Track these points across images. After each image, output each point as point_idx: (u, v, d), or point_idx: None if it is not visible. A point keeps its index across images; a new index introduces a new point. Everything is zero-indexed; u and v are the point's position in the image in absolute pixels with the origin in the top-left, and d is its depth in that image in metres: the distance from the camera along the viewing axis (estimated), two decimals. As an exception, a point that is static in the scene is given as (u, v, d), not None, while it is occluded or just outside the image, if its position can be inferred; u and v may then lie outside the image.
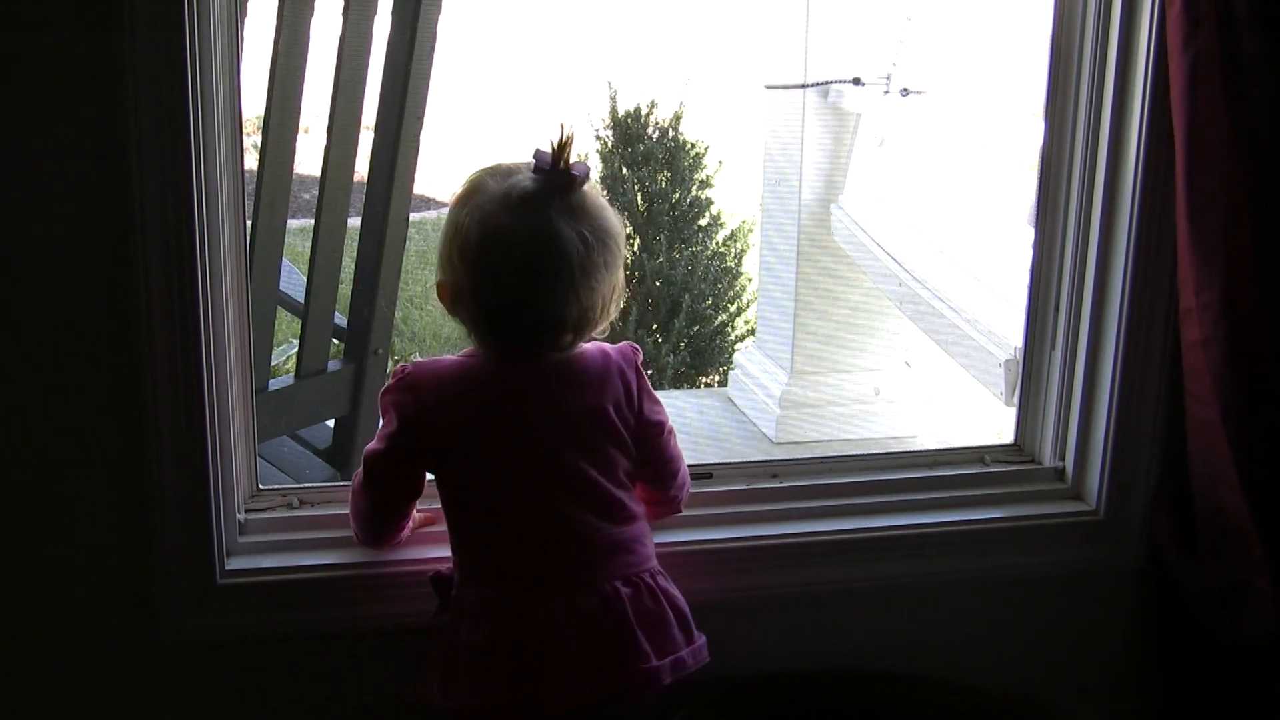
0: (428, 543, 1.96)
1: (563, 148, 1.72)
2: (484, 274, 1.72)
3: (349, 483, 1.91)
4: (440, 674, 1.79)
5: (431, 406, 1.76)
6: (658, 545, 1.89)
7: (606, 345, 1.84)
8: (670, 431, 1.89)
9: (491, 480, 1.77)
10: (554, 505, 1.77)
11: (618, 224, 1.77)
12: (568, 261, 1.70)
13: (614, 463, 1.81)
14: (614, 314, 1.80)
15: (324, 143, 3.31)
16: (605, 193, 1.76)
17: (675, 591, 1.84)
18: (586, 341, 1.81)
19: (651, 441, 1.86)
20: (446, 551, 1.88)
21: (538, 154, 1.74)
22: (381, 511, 1.88)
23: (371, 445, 1.81)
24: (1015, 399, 2.31)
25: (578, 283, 1.71)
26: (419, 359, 1.80)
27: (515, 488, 1.76)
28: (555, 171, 1.72)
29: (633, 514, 1.83)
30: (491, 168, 1.77)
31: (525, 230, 1.70)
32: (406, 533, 1.95)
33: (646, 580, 1.80)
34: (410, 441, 1.77)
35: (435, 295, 1.79)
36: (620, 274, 1.79)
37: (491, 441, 1.76)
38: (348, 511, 1.93)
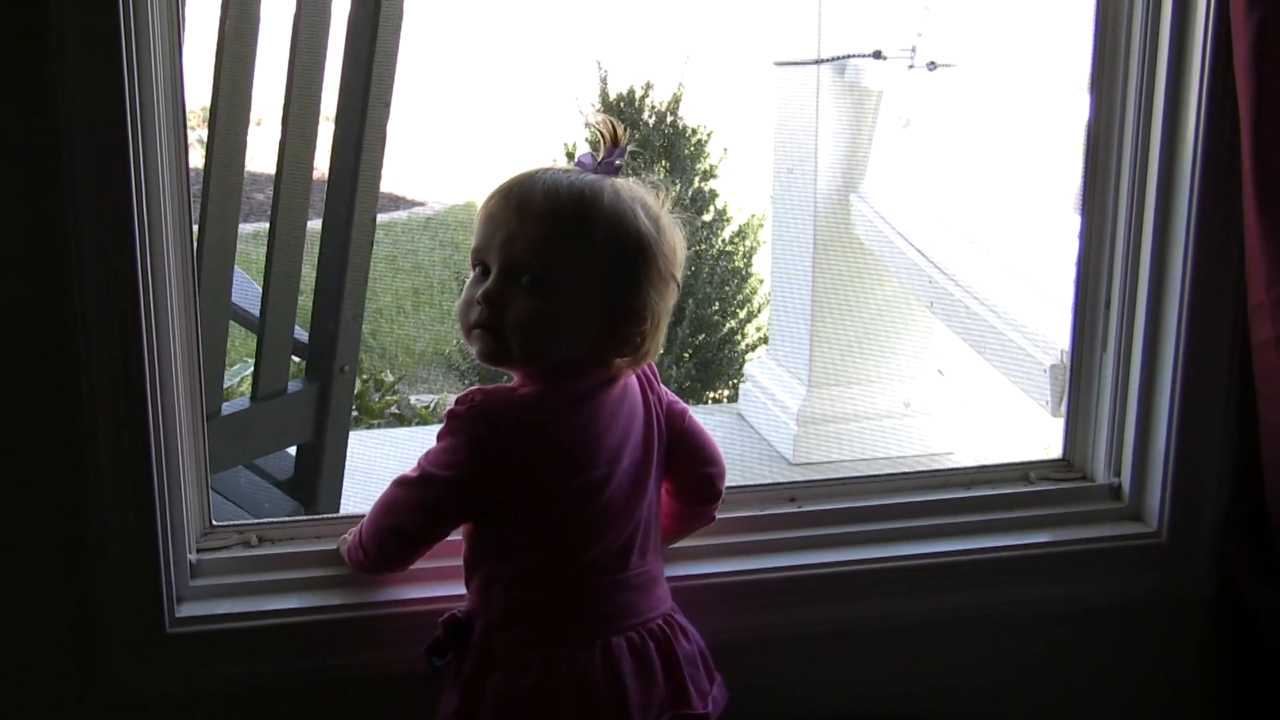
0: (407, 582, 1.96)
1: (615, 142, 1.81)
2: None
3: (313, 517, 1.91)
4: None
5: (513, 446, 1.77)
6: (659, 578, 1.92)
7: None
8: (692, 416, 1.94)
9: (558, 520, 1.79)
10: (611, 538, 1.80)
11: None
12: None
13: (655, 488, 1.87)
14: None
15: (279, 136, 3.32)
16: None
17: (693, 629, 1.89)
18: None
19: (681, 426, 1.91)
20: (420, 591, 1.89)
21: (582, 157, 1.81)
22: (423, 537, 1.88)
23: (431, 468, 1.79)
24: (1063, 408, 2.31)
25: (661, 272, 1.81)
26: (486, 388, 1.81)
27: (580, 527, 1.79)
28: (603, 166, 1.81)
29: (660, 549, 1.89)
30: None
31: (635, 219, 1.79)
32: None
33: (676, 617, 1.86)
34: (482, 478, 1.78)
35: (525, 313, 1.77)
36: None
37: (566, 480, 1.78)
38: (313, 549, 1.93)
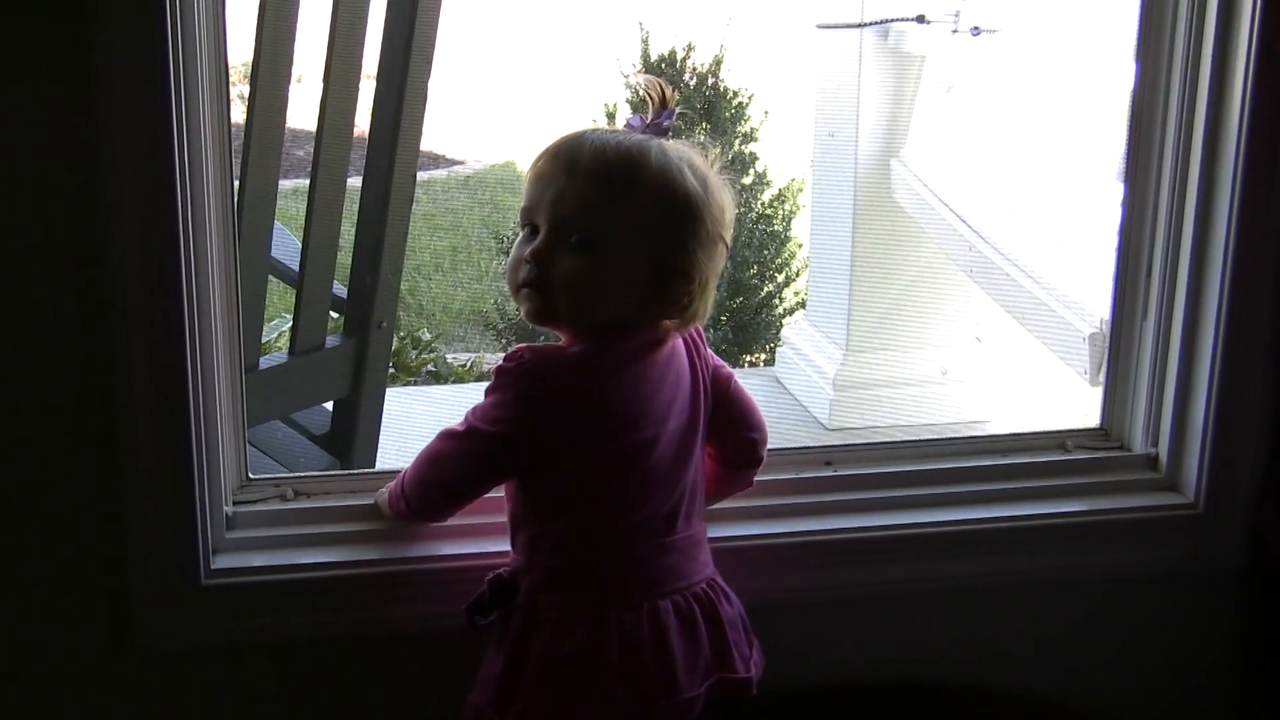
0: (439, 538, 1.97)
1: (664, 103, 1.81)
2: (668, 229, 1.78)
3: (349, 472, 1.92)
4: (499, 688, 1.80)
5: (562, 404, 1.77)
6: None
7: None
8: (738, 380, 1.95)
9: (604, 480, 1.80)
10: (657, 500, 1.81)
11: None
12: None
13: (700, 452, 1.87)
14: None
15: (320, 93, 3.32)
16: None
17: (733, 593, 1.89)
18: None
19: (726, 391, 1.92)
20: (456, 548, 1.90)
21: (631, 120, 1.81)
22: (467, 491, 1.89)
23: (478, 423, 1.80)
24: (1101, 377, 2.30)
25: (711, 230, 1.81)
26: (534, 345, 1.81)
27: (626, 487, 1.80)
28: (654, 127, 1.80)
29: (702, 511, 1.90)
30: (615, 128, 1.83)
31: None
32: None
33: (718, 581, 1.87)
34: (530, 435, 1.78)
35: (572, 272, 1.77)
36: None
37: (613, 440, 1.79)
38: (348, 504, 1.95)
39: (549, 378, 1.77)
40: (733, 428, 1.94)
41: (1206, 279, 2.11)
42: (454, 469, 1.85)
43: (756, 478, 2.02)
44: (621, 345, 1.78)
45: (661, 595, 1.80)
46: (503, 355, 1.84)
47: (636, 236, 1.74)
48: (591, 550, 1.81)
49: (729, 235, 1.80)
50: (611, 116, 5.74)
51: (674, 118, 1.79)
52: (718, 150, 1.80)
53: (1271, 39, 1.97)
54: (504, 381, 1.78)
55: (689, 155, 1.77)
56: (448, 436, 1.83)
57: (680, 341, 1.85)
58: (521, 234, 1.78)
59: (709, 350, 1.90)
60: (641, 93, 1.80)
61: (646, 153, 1.74)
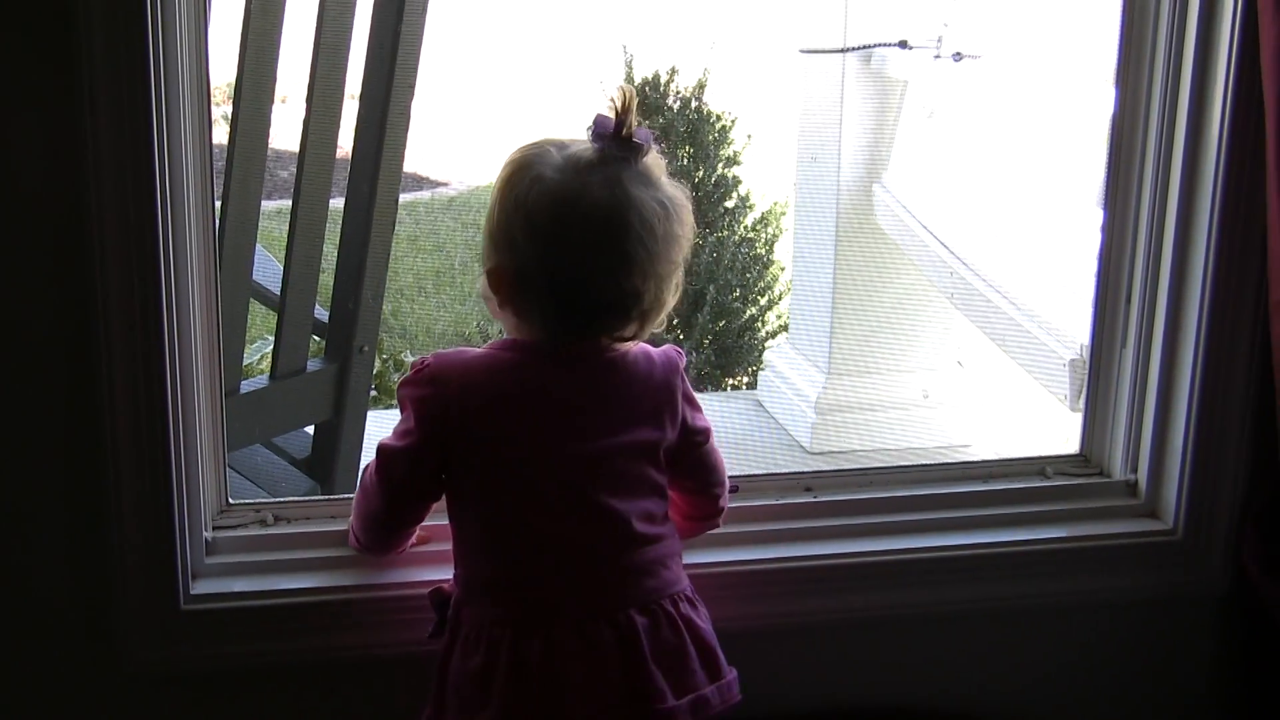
0: (421, 563, 1.97)
1: (625, 113, 1.74)
2: (559, 246, 1.73)
3: (329, 497, 1.91)
4: (432, 706, 1.80)
5: (458, 404, 1.77)
6: (675, 566, 1.89)
7: (650, 349, 1.85)
8: (712, 437, 1.91)
9: (510, 488, 1.78)
10: (574, 521, 1.78)
11: (685, 195, 1.80)
12: (649, 228, 1.74)
13: (647, 479, 1.83)
14: (670, 307, 1.82)
15: (303, 114, 3.31)
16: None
17: (701, 621, 1.84)
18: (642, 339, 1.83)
19: (695, 451, 1.89)
20: (443, 573, 1.89)
21: (598, 120, 1.76)
22: (395, 514, 1.89)
23: (387, 441, 1.81)
24: (1081, 403, 2.30)
25: (654, 250, 1.74)
26: (441, 351, 1.81)
27: (535, 498, 1.77)
28: (618, 139, 1.74)
29: (659, 534, 1.84)
30: (538, 141, 1.79)
31: (604, 195, 1.72)
32: (412, 541, 1.97)
33: (667, 608, 1.80)
34: (432, 441, 1.78)
35: (483, 287, 1.79)
36: (685, 254, 1.81)
37: (521, 447, 1.78)
38: (328, 529, 1.94)
39: (447, 384, 1.77)
40: (695, 487, 1.92)
41: (1185, 305, 2.12)
42: (376, 495, 1.85)
43: (736, 503, 2.02)
44: (556, 356, 1.78)
45: (567, 618, 1.75)
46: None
47: None
48: (496, 562, 1.79)
49: (691, 224, 1.81)
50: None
51: (631, 134, 1.75)
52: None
53: (1250, 67, 1.98)
54: (403, 394, 1.80)
55: (649, 182, 1.77)
56: (368, 467, 1.84)
57: (650, 368, 1.82)
58: None
59: (694, 408, 1.86)
60: (624, 103, 1.74)
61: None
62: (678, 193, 1.78)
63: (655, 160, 1.78)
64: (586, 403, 1.79)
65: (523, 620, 1.76)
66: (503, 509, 1.79)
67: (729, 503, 1.98)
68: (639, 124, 1.76)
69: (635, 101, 1.74)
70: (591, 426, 1.78)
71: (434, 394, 1.77)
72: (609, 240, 1.72)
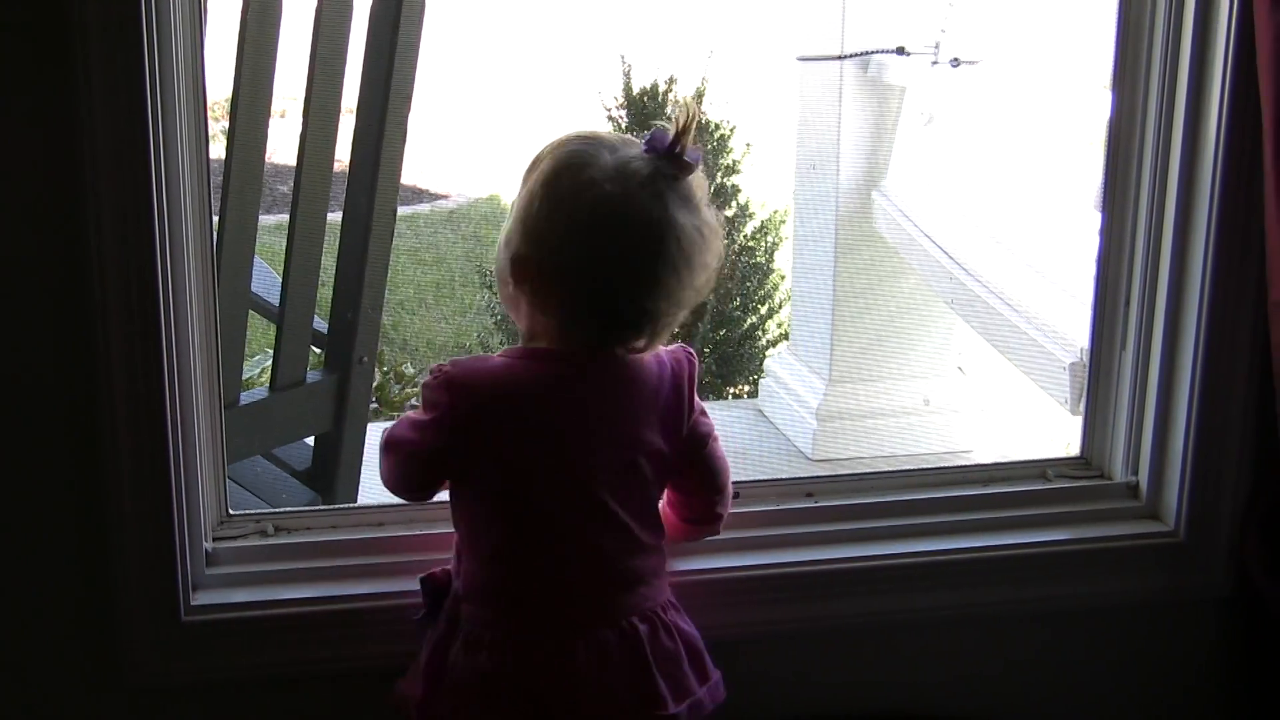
0: (419, 573, 1.96)
1: (684, 133, 1.75)
2: (595, 256, 1.74)
3: (330, 507, 1.91)
4: (425, 685, 1.81)
5: (478, 411, 1.78)
6: (675, 572, 1.90)
7: (661, 351, 1.85)
8: (717, 439, 1.92)
9: (526, 496, 1.79)
10: (583, 528, 1.79)
11: (721, 222, 1.81)
12: (685, 255, 1.75)
13: (650, 485, 1.84)
14: (680, 319, 1.83)
15: (300, 127, 3.32)
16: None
17: (688, 626, 1.85)
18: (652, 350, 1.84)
19: (699, 452, 1.89)
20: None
21: (655, 134, 1.76)
22: (409, 493, 1.90)
23: (404, 432, 1.81)
24: (1081, 406, 2.30)
25: (684, 277, 1.76)
26: (459, 360, 1.82)
27: (550, 506, 1.79)
28: (671, 156, 1.75)
29: (656, 544, 1.85)
30: (590, 136, 1.79)
31: (648, 215, 1.73)
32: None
33: (661, 616, 1.82)
34: (450, 443, 1.79)
35: (502, 268, 1.79)
36: (710, 281, 1.82)
37: (539, 458, 1.78)
38: (329, 539, 1.95)
39: (470, 390, 1.77)
40: (697, 487, 1.92)
41: (1185, 307, 2.12)
42: (391, 474, 1.85)
43: (737, 509, 2.02)
44: (571, 362, 1.79)
45: (577, 625, 1.77)
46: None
47: None
48: (508, 568, 1.80)
49: (720, 253, 1.81)
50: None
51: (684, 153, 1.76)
52: None
53: (1247, 69, 1.98)
54: (427, 395, 1.79)
55: (690, 206, 1.77)
56: (383, 446, 1.84)
57: (661, 371, 1.83)
58: None
59: (700, 412, 1.88)
60: (685, 122, 1.74)
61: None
62: (715, 220, 1.79)
63: (699, 180, 1.78)
64: (601, 411, 1.80)
65: (532, 625, 1.77)
66: (518, 516, 1.79)
67: (730, 509, 1.98)
68: (692, 144, 1.77)
69: (695, 121, 1.75)
70: (605, 435, 1.79)
71: (461, 399, 1.77)
72: (644, 262, 1.74)
